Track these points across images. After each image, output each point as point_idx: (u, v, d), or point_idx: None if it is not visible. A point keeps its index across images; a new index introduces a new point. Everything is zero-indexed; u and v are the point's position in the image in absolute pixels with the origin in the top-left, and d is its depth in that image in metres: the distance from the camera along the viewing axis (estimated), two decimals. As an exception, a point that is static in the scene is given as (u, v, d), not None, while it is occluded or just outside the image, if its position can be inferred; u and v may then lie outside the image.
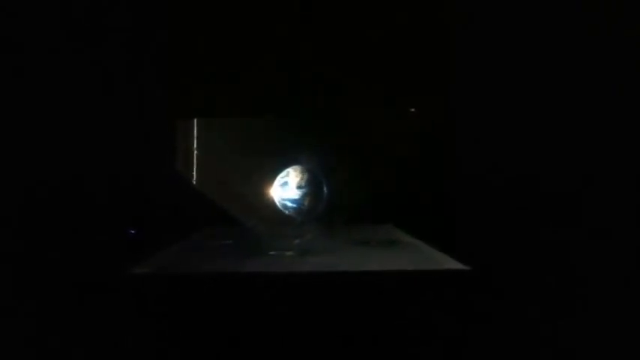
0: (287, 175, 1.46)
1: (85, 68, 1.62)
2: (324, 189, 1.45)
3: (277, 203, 1.44)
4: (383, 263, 1.23)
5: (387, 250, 1.40)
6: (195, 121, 1.76)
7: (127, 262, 1.13)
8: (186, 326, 0.96)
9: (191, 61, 1.79)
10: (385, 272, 1.12)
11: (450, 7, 1.75)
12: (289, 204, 1.45)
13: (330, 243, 1.39)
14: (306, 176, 1.46)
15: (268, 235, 1.38)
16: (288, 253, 1.28)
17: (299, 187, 1.46)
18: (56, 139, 1.57)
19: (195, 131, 1.75)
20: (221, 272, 1.09)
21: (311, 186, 1.45)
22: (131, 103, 1.71)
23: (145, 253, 1.27)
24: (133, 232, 1.54)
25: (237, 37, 1.79)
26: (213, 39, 1.78)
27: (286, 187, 1.46)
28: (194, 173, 1.72)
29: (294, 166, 1.47)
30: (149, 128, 1.72)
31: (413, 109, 1.74)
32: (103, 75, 1.65)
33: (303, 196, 1.45)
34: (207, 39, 1.78)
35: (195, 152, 1.74)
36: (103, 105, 1.65)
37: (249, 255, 1.26)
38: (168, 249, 1.38)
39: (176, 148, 1.74)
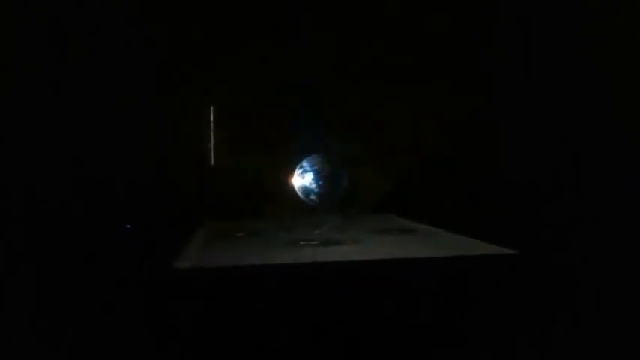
0: (307, 164, 1.45)
1: (94, 65, 1.63)
2: (344, 179, 1.43)
3: (297, 191, 1.43)
4: (421, 250, 1.21)
5: (414, 237, 1.38)
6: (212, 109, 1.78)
7: (151, 257, 1.12)
8: (234, 317, 0.95)
9: (206, 52, 1.79)
10: (430, 259, 1.10)
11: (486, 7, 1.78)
12: (308, 193, 1.43)
13: (351, 233, 1.36)
14: (325, 166, 1.44)
15: (286, 226, 1.37)
16: (317, 244, 1.26)
17: (318, 176, 1.44)
18: (61, 138, 1.58)
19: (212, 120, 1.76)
20: (269, 264, 1.07)
21: (330, 176, 1.44)
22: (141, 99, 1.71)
23: (167, 247, 1.26)
24: (129, 226, 1.54)
25: (266, 25, 1.81)
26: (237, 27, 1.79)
27: (306, 177, 1.44)
28: (212, 161, 1.74)
29: (314, 156, 1.45)
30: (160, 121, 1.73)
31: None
32: (113, 70, 1.65)
33: (322, 185, 1.43)
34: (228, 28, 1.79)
35: (213, 141, 1.75)
36: (116, 104, 1.66)
37: (279, 246, 1.25)
38: (193, 242, 1.34)
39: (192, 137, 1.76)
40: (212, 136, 1.76)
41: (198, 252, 1.22)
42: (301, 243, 1.27)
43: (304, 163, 1.44)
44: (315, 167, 1.44)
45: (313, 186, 1.44)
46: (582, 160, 1.49)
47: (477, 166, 1.79)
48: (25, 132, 1.57)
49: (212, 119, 1.77)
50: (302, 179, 1.44)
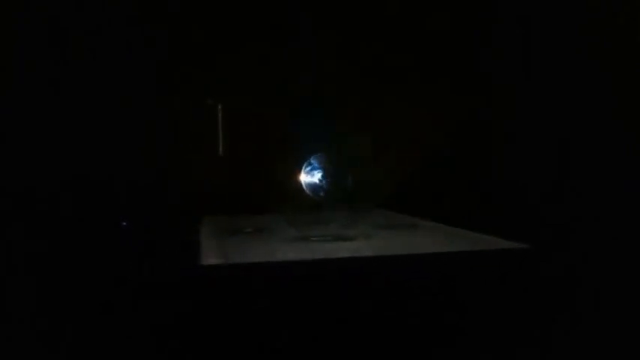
0: (314, 161, 1.46)
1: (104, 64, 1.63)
2: (349, 176, 1.44)
3: (304, 187, 1.43)
4: (434, 245, 1.22)
5: (421, 232, 1.39)
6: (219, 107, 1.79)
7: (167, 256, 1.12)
8: (268, 313, 0.94)
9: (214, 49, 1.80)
10: (448, 254, 1.12)
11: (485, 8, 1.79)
12: (315, 189, 1.44)
13: (358, 228, 1.34)
14: (330, 164, 1.45)
15: (293, 222, 1.36)
16: (329, 240, 1.25)
17: (325, 173, 1.44)
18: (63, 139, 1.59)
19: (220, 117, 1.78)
20: (301, 260, 1.08)
21: (335, 173, 1.44)
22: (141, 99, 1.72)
23: (176, 243, 1.27)
24: (125, 224, 1.54)
25: (266, 25, 1.81)
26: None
27: (313, 173, 1.45)
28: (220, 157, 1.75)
29: (320, 154, 1.46)
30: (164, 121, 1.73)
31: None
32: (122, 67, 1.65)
33: (328, 182, 1.44)
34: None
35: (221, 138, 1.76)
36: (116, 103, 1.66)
37: (295, 242, 1.24)
38: (206, 239, 1.32)
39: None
40: (220, 132, 1.77)
41: (217, 249, 1.19)
42: (314, 239, 1.26)
43: (312, 160, 1.44)
44: (322, 164, 1.45)
45: (322, 182, 1.44)
46: (582, 160, 1.49)
47: (476, 165, 1.79)
48: (25, 132, 1.57)
49: (219, 117, 1.78)
50: (309, 176, 1.44)
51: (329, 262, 1.06)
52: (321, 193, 1.42)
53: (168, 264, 1.06)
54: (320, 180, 1.43)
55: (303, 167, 1.43)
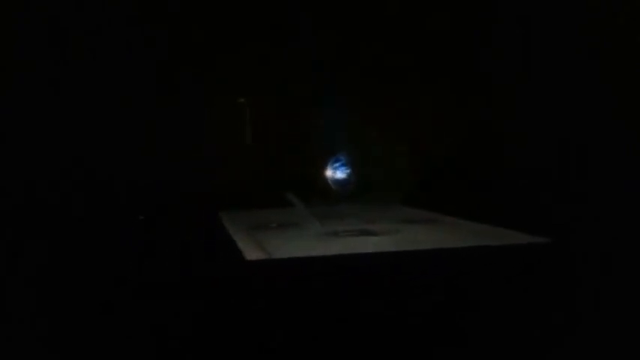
0: (337, 159, 1.48)
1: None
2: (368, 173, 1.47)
3: (329, 182, 1.46)
4: (463, 240, 1.22)
5: (444, 226, 1.40)
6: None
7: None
8: (316, 307, 0.94)
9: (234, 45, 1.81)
10: (473, 248, 1.13)
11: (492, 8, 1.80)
12: (338, 184, 1.46)
13: (381, 223, 1.35)
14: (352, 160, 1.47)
15: (317, 217, 1.36)
16: (357, 234, 1.27)
17: (346, 170, 1.47)
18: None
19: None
20: (348, 254, 1.09)
21: (357, 169, 1.47)
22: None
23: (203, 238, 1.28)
24: (142, 218, 1.55)
25: (266, 25, 1.83)
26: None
27: (339, 169, 1.47)
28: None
29: (342, 153, 1.48)
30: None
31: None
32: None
33: (350, 178, 1.46)
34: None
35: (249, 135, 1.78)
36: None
37: (326, 237, 1.25)
38: (236, 234, 1.31)
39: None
40: (248, 124, 1.79)
41: (253, 244, 1.18)
42: (342, 234, 1.26)
43: (340, 157, 1.47)
44: (346, 161, 1.48)
45: (349, 177, 1.47)
46: (582, 160, 1.49)
47: (476, 165, 1.79)
48: (25, 132, 1.58)
49: (247, 113, 1.80)
50: (335, 171, 1.47)
51: (377, 257, 1.07)
52: (347, 188, 1.44)
53: (210, 260, 1.06)
54: (348, 175, 1.45)
55: (330, 163, 1.45)
